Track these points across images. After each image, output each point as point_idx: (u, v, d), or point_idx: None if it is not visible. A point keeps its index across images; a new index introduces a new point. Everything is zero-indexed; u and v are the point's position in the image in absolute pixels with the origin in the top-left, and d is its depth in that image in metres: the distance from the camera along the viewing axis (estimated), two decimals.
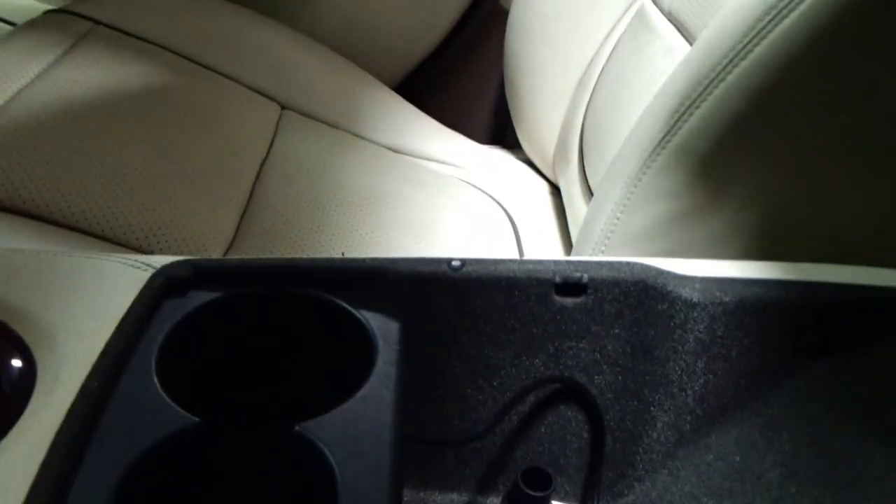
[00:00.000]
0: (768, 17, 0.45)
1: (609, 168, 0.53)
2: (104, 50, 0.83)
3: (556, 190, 1.01)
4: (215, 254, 0.64)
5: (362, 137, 0.94)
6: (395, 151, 0.96)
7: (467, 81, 1.17)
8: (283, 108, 0.92)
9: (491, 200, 0.93)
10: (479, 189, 0.95)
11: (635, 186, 0.49)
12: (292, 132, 0.87)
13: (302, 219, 0.71)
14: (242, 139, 0.81)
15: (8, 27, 1.06)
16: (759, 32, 0.45)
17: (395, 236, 0.71)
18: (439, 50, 1.16)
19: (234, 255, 0.65)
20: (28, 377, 0.35)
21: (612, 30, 0.90)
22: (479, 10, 1.16)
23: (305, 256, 0.50)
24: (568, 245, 0.88)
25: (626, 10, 0.88)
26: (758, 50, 0.45)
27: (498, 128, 1.17)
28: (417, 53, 1.16)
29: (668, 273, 0.43)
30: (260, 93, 0.91)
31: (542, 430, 0.45)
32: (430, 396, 0.43)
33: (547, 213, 0.97)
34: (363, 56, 1.10)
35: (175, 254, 0.62)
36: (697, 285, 0.43)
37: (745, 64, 0.46)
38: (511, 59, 1.01)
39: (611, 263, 0.43)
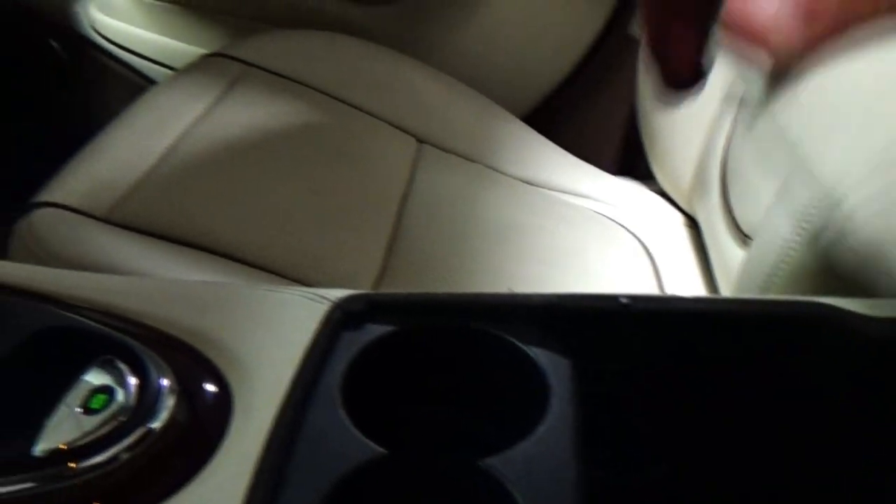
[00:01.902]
0: None
1: (775, 202, 0.52)
2: (258, 91, 0.87)
3: (691, 222, 0.99)
4: (366, 286, 0.66)
5: (497, 170, 0.95)
6: (530, 184, 0.96)
7: (597, 112, 1.17)
8: (420, 142, 0.94)
9: (627, 232, 0.92)
10: (614, 221, 0.95)
11: (807, 222, 0.47)
12: (431, 166, 0.90)
13: (447, 252, 0.72)
14: (385, 174, 0.84)
15: (167, 70, 1.14)
16: None
17: (544, 269, 0.72)
18: (569, 81, 1.17)
19: (386, 288, 0.67)
20: (225, 404, 0.37)
21: None
22: (609, 41, 1.16)
23: (455, 290, 0.51)
24: (709, 280, 0.86)
25: None
26: None
27: (629, 158, 1.16)
28: (547, 85, 1.16)
29: (852, 313, 0.41)
30: (399, 128, 0.94)
31: None
32: (606, 435, 0.42)
33: (683, 245, 0.95)
34: (494, 88, 1.11)
35: (331, 286, 0.64)
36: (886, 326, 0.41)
37: None
38: (644, 88, 1.01)
39: (788, 302, 0.42)
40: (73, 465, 0.32)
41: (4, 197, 1.13)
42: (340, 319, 0.42)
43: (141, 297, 0.42)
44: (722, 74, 0.90)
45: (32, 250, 0.57)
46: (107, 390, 0.34)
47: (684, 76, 0.27)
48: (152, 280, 0.44)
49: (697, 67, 0.26)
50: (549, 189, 0.99)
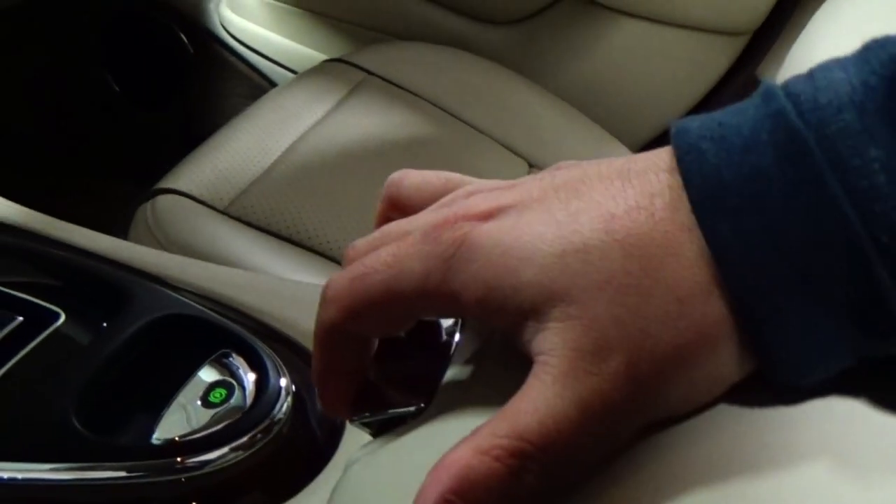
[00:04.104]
0: None
1: None
2: (374, 99, 0.88)
3: None
4: None
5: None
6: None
7: None
8: (530, 165, 0.93)
9: None
10: None
11: None
12: None
13: None
14: None
15: (286, 72, 1.16)
16: None
17: None
18: (686, 117, 1.13)
19: None
20: None
21: None
22: (733, 81, 1.12)
23: None
24: None
25: None
26: None
27: None
28: (665, 120, 1.13)
29: None
30: (510, 150, 0.93)
31: None
32: None
33: None
34: (609, 118, 1.09)
35: None
36: None
37: None
38: None
39: None
40: (180, 459, 0.31)
41: (126, 178, 1.18)
42: (450, 330, 0.41)
43: (261, 293, 0.42)
44: None
45: (153, 234, 0.58)
46: (226, 386, 0.34)
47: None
48: (272, 278, 0.44)
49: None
50: None
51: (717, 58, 1.11)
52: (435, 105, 0.92)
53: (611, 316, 0.20)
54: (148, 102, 1.27)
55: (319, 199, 0.67)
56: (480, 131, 0.92)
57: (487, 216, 0.23)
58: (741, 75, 1.10)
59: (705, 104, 1.12)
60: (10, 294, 0.36)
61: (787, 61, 0.96)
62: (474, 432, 0.21)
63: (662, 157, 0.22)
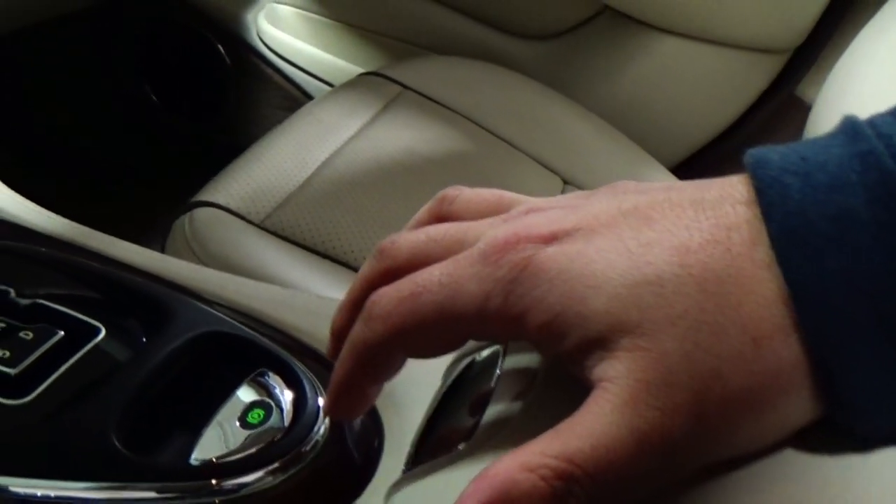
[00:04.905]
0: None
1: None
2: (410, 113, 0.88)
3: None
4: None
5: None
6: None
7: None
8: (565, 182, 0.92)
9: None
10: None
11: None
12: None
13: None
14: None
15: (323, 85, 1.17)
16: None
17: None
18: (724, 135, 1.12)
19: None
20: (375, 433, 0.35)
21: None
22: (772, 99, 1.11)
23: None
24: None
25: None
26: None
27: None
28: (702, 137, 1.12)
29: None
30: (545, 165, 0.92)
31: None
32: None
33: None
34: (645, 134, 1.08)
35: None
36: None
37: None
38: None
39: None
40: (215, 481, 0.31)
41: (164, 187, 1.19)
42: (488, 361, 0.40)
43: (298, 311, 0.41)
44: None
45: (190, 246, 0.58)
46: (264, 406, 0.33)
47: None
48: (309, 296, 0.43)
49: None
50: None
51: (756, 76, 1.09)
52: (470, 120, 0.92)
53: (681, 352, 0.20)
54: (186, 113, 1.28)
55: (355, 214, 0.67)
56: (515, 147, 0.91)
57: (551, 239, 0.23)
58: (780, 94, 1.09)
59: (743, 123, 1.11)
60: (50, 307, 0.36)
61: (828, 81, 0.94)
62: (523, 447, 0.21)
63: (737, 187, 0.21)
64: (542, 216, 0.24)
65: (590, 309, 0.21)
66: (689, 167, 1.13)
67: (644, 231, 0.22)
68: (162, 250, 0.63)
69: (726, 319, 0.20)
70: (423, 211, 0.30)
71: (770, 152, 0.22)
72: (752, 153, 0.22)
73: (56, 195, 1.14)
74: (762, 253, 0.20)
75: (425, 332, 0.24)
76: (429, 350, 0.26)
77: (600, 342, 0.21)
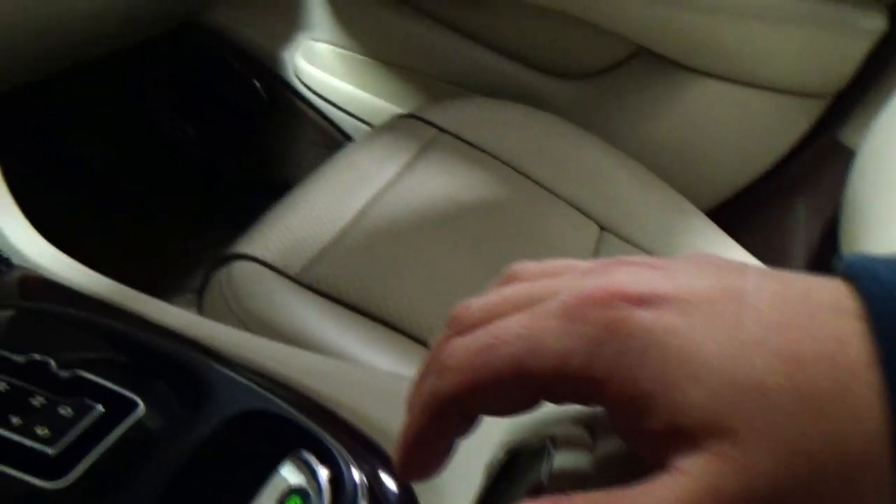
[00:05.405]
0: None
1: None
2: (446, 158, 0.87)
3: None
4: None
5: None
6: None
7: (789, 216, 1.10)
8: (602, 229, 0.91)
9: None
10: None
11: None
12: (611, 255, 0.86)
13: None
14: (565, 257, 0.81)
15: (359, 123, 1.17)
16: None
17: None
18: (763, 179, 1.10)
19: None
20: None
21: None
22: (812, 144, 1.09)
23: None
24: None
25: None
26: None
27: (817, 267, 1.07)
28: (739, 182, 1.10)
29: None
30: (582, 211, 0.91)
31: None
32: None
33: None
34: (682, 177, 1.07)
35: None
36: None
37: None
38: (853, 201, 0.93)
39: None
40: None
41: (202, 221, 1.20)
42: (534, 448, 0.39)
43: (336, 382, 0.41)
44: None
45: (228, 302, 0.58)
46: (302, 494, 0.33)
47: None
48: (347, 365, 0.43)
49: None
50: None
51: (796, 120, 1.08)
52: (506, 164, 0.91)
53: (768, 472, 0.19)
54: (222, 148, 1.29)
55: (391, 267, 0.66)
56: (552, 192, 0.90)
57: (643, 302, 0.21)
58: (821, 138, 1.07)
59: (783, 167, 1.09)
60: (90, 380, 0.36)
61: (873, 127, 0.92)
62: (573, 496, 0.20)
63: (848, 297, 0.20)
64: (632, 274, 0.22)
65: (686, 400, 0.20)
66: (727, 211, 1.11)
67: (748, 325, 0.20)
68: (200, 298, 0.63)
69: (827, 450, 0.18)
70: (490, 289, 0.28)
71: (875, 264, 0.20)
72: (853, 261, 0.20)
73: (93, 228, 1.16)
74: (873, 377, 0.19)
75: (501, 390, 0.22)
76: (502, 407, 0.24)
77: (688, 434, 0.20)
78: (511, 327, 0.22)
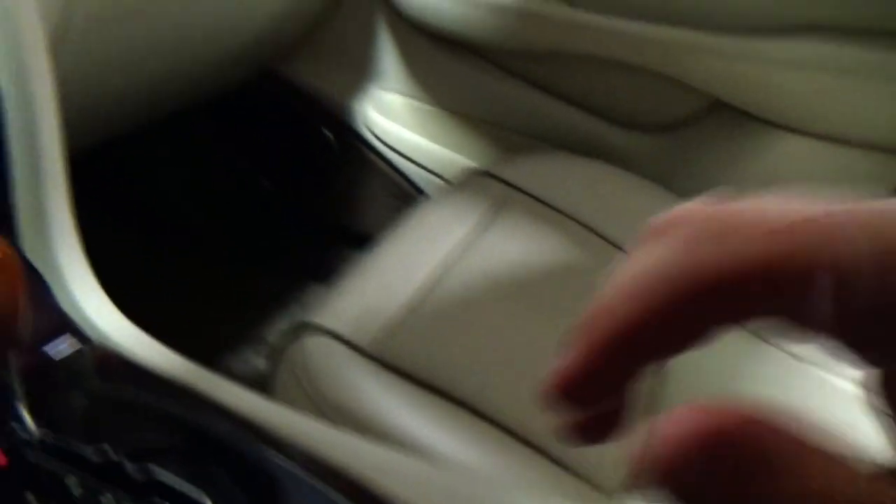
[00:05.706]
0: None
1: None
2: (521, 219, 0.86)
3: None
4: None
5: (761, 338, 0.86)
6: (794, 357, 0.86)
7: None
8: None
9: None
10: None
11: None
12: None
13: None
14: None
15: (431, 176, 1.17)
16: None
17: None
18: None
19: None
20: None
21: None
22: None
23: None
24: None
25: None
26: None
27: None
28: None
29: None
30: None
31: None
32: None
33: None
34: None
35: (598, 473, 0.58)
36: None
37: None
38: None
39: None
40: None
41: (277, 271, 1.20)
42: None
43: (409, 481, 0.39)
44: None
45: (300, 381, 0.57)
46: None
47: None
48: (421, 466, 0.41)
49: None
50: (815, 366, 0.88)
51: (885, 177, 1.02)
52: (580, 224, 0.89)
53: None
54: (294, 197, 1.30)
55: (467, 342, 0.64)
56: (627, 253, 0.87)
57: None
58: None
59: None
60: (160, 481, 0.35)
61: None
62: None
63: None
64: None
65: None
66: None
67: None
68: (272, 363, 0.63)
69: None
70: None
71: None
72: None
73: (170, 280, 1.18)
74: None
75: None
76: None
77: None
78: None
